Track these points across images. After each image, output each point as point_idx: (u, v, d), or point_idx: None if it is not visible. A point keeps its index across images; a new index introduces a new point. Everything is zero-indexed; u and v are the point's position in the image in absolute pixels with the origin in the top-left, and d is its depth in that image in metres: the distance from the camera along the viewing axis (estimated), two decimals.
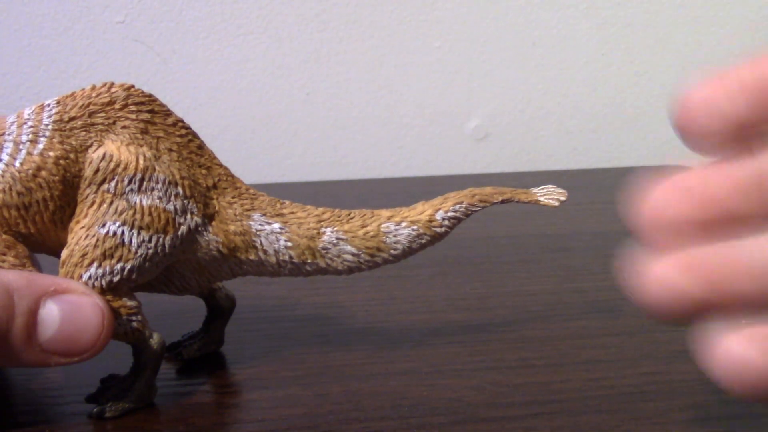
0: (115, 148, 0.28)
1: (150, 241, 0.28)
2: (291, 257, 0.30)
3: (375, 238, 0.30)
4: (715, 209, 0.21)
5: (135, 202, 0.28)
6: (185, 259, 0.30)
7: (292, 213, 0.30)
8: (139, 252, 0.28)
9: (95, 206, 0.28)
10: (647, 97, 0.67)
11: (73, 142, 0.28)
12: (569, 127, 0.67)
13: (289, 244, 0.30)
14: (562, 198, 0.30)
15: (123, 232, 0.28)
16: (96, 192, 0.28)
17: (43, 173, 0.27)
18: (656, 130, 0.68)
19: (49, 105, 0.28)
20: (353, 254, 0.30)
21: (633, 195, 0.23)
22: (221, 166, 0.30)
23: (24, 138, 0.27)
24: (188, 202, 0.29)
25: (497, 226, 0.50)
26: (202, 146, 0.30)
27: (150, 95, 0.29)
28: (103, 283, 0.28)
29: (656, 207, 0.22)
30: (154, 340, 0.29)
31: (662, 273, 0.21)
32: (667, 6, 0.65)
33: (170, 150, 0.29)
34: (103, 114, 0.28)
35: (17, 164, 0.27)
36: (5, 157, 0.27)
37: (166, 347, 0.32)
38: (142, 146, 0.28)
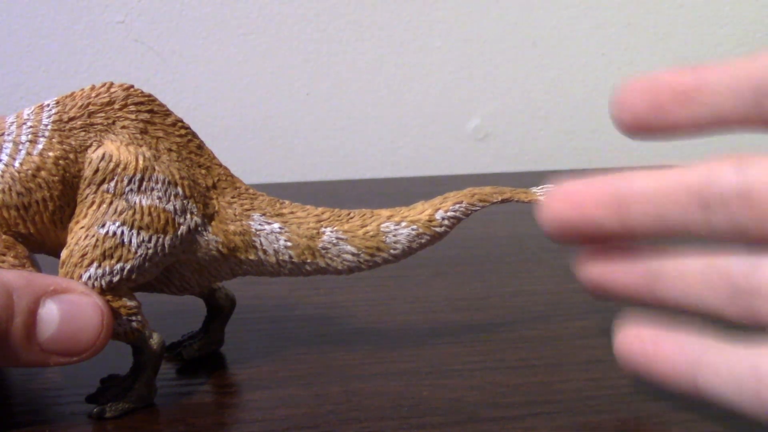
0: (115, 148, 0.28)
1: (150, 241, 0.28)
2: (291, 257, 0.30)
3: (375, 237, 0.30)
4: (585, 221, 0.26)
5: (134, 203, 0.28)
6: (185, 259, 0.30)
7: (292, 213, 0.30)
8: (139, 252, 0.28)
9: (95, 206, 0.28)
10: None
11: (73, 143, 0.28)
12: (569, 127, 0.67)
13: (289, 243, 0.30)
14: None
15: (123, 233, 0.28)
16: (95, 192, 0.28)
17: (43, 173, 0.27)
18: None
19: (48, 105, 0.28)
20: (353, 254, 0.30)
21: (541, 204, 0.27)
22: (221, 166, 0.30)
23: (23, 138, 0.27)
24: (188, 202, 0.29)
25: (497, 226, 0.50)
26: (201, 146, 0.30)
27: (149, 95, 0.29)
28: (103, 283, 0.28)
29: (549, 213, 0.26)
30: (154, 340, 0.29)
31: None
32: (667, 6, 0.65)
33: (170, 150, 0.29)
34: (102, 114, 0.28)
35: (17, 164, 0.27)
36: (5, 158, 0.27)
37: (166, 347, 0.32)
38: (141, 146, 0.28)
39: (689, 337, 0.25)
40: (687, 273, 0.24)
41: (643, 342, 0.25)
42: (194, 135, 0.30)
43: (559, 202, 0.26)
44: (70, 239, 0.28)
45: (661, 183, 0.24)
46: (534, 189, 0.31)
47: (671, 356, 0.25)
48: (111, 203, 0.28)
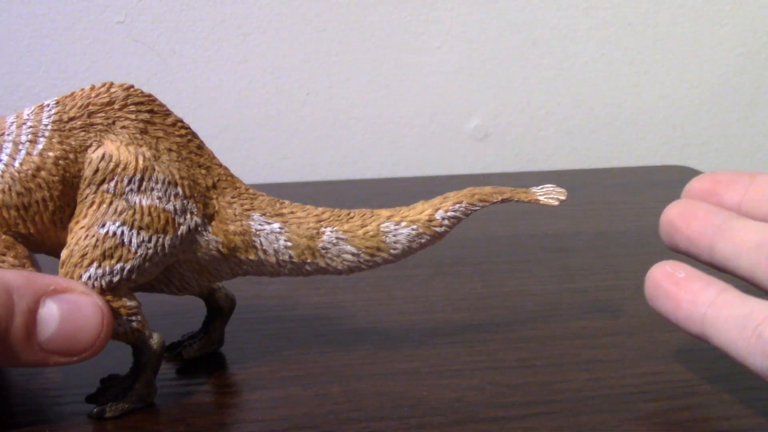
0: (115, 149, 0.28)
1: (150, 241, 0.28)
2: (291, 257, 0.30)
3: (375, 237, 0.30)
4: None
5: (134, 203, 0.28)
6: (185, 259, 0.30)
7: (292, 213, 0.30)
8: (139, 252, 0.28)
9: (95, 206, 0.28)
10: (647, 97, 0.67)
11: (73, 143, 0.28)
12: (569, 127, 0.67)
13: (289, 243, 0.30)
14: (562, 197, 0.30)
15: (123, 233, 0.28)
16: (95, 192, 0.28)
17: (43, 173, 0.27)
18: (656, 130, 0.68)
19: (48, 105, 0.28)
20: (353, 254, 0.30)
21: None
22: (221, 166, 0.30)
23: (23, 138, 0.27)
24: (188, 202, 0.29)
25: (497, 226, 0.50)
26: (201, 146, 0.30)
27: (149, 95, 0.29)
28: (103, 283, 0.28)
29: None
30: (154, 340, 0.29)
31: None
32: (667, 6, 0.65)
33: (170, 150, 0.29)
34: (102, 114, 0.28)
35: (17, 164, 0.27)
36: (5, 158, 0.27)
37: (166, 347, 0.32)
38: (141, 146, 0.28)
39: (709, 281, 0.27)
40: (746, 237, 0.27)
41: (669, 277, 0.28)
42: (194, 135, 0.30)
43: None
44: (70, 239, 0.28)
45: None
46: (534, 188, 0.31)
47: (688, 295, 0.27)
48: (111, 203, 0.28)
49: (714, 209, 0.29)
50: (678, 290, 0.28)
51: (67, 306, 0.26)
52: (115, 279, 0.28)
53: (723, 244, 0.28)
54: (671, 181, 0.60)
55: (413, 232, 0.30)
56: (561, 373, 0.32)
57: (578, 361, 0.33)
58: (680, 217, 0.30)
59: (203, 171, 0.30)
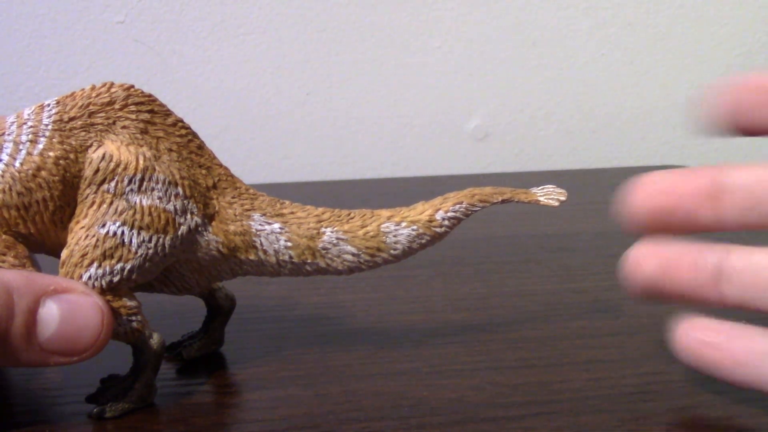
0: (115, 148, 0.28)
1: (150, 241, 0.28)
2: (291, 257, 0.30)
3: (375, 238, 0.30)
4: (678, 211, 0.26)
5: (135, 203, 0.28)
6: (185, 259, 0.30)
7: (292, 213, 0.30)
8: (139, 252, 0.28)
9: (95, 206, 0.28)
10: (647, 97, 0.67)
11: (73, 142, 0.28)
12: (569, 127, 0.67)
13: (289, 244, 0.30)
14: (562, 198, 0.30)
15: (123, 233, 0.28)
16: (96, 192, 0.28)
17: (43, 173, 0.27)
18: (656, 130, 0.68)
19: (48, 105, 0.28)
20: (353, 254, 0.30)
21: (623, 193, 0.27)
22: (221, 166, 0.30)
23: (24, 138, 0.27)
24: (188, 202, 0.29)
25: (497, 226, 0.50)
26: (202, 146, 0.30)
27: (150, 95, 0.29)
28: (103, 283, 0.28)
29: (637, 200, 0.27)
30: (154, 340, 0.29)
31: (637, 258, 0.27)
32: (667, 6, 0.65)
33: (170, 150, 0.29)
34: (102, 114, 0.28)
35: (17, 164, 0.27)
36: (5, 158, 0.27)
37: (166, 347, 0.32)
38: (141, 146, 0.28)
39: (746, 330, 0.25)
40: (756, 269, 0.25)
41: (705, 346, 0.26)
42: (195, 135, 0.30)
43: (652, 190, 0.26)
44: (71, 239, 0.28)
45: (760, 176, 0.24)
46: (534, 189, 0.31)
47: (738, 357, 0.25)
48: (111, 203, 0.28)
49: (695, 249, 0.26)
50: (722, 356, 0.25)
51: (67, 306, 0.26)
52: (116, 279, 0.28)
53: (735, 288, 0.25)
54: None
55: (413, 233, 0.30)
56: (561, 373, 0.32)
57: (578, 361, 0.33)
58: (662, 275, 0.26)
59: (203, 171, 0.30)
